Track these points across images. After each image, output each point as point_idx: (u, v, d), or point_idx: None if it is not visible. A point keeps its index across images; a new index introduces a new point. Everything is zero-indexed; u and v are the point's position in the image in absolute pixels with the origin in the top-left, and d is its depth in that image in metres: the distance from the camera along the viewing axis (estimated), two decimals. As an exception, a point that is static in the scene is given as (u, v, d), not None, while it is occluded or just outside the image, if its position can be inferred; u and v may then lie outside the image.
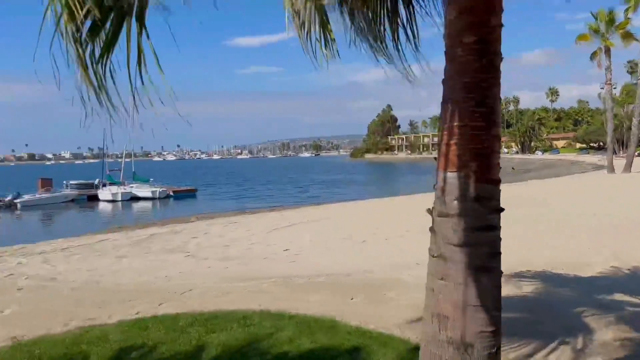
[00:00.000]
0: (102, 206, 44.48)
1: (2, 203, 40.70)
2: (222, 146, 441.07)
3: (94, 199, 46.43)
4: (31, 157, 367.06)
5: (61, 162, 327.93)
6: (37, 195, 44.11)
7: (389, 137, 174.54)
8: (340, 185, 60.41)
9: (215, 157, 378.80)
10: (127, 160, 51.35)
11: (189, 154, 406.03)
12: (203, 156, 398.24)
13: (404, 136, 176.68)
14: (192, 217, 24.75)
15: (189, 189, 52.48)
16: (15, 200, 41.56)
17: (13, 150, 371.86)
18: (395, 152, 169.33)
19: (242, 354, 4.50)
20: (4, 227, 31.61)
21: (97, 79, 2.74)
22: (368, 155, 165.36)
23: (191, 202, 47.05)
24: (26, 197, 43.08)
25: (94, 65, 2.76)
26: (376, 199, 29.98)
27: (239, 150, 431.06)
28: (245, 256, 10.35)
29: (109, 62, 2.81)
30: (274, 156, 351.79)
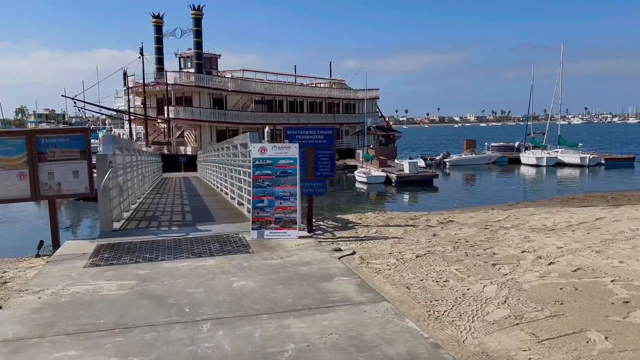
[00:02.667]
0: (524, 170, 42.55)
1: (433, 161, 43.92)
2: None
3: (515, 162, 45.16)
4: (441, 120, 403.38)
5: (466, 124, 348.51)
6: (463, 155, 46.12)
7: None
8: None
9: (632, 120, 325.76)
10: (551, 122, 47.47)
11: (597, 117, 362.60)
12: (615, 119, 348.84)
13: None
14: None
15: (626, 157, 44.54)
16: (445, 160, 44.36)
17: (427, 114, 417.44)
18: None
19: None
20: (447, 185, 33.36)
21: None
22: None
23: (629, 172, 39.63)
24: (454, 157, 45.59)
25: None
26: None
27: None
28: None
29: None
30: None
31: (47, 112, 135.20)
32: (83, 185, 7.67)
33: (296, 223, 7.17)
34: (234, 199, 12.14)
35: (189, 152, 41.07)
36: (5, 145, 7.36)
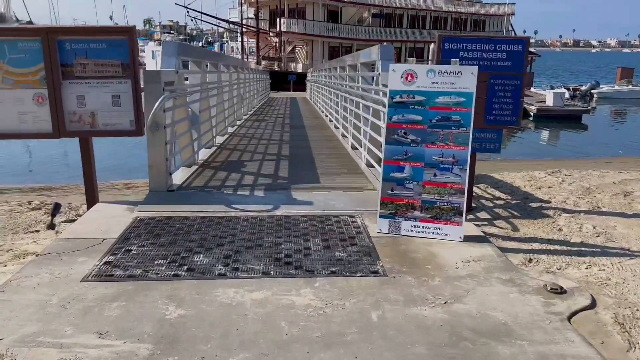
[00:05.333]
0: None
1: (577, 92, 37.08)
2: None
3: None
4: (576, 43, 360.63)
5: (606, 49, 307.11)
6: (616, 87, 38.51)
7: None
8: None
9: None
10: None
11: None
12: None
13: None
14: None
15: None
16: (592, 91, 37.29)
17: (560, 37, 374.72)
18: None
19: None
20: (597, 122, 27.36)
21: None
22: None
23: None
24: (604, 87, 38.19)
25: None
26: None
27: None
28: None
29: None
30: None
31: (170, 24, 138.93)
32: (127, 117, 5.05)
33: (461, 214, 3.99)
34: (346, 137, 9.14)
35: (299, 70, 38.42)
36: (14, 50, 4.85)
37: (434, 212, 4.04)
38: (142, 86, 5.01)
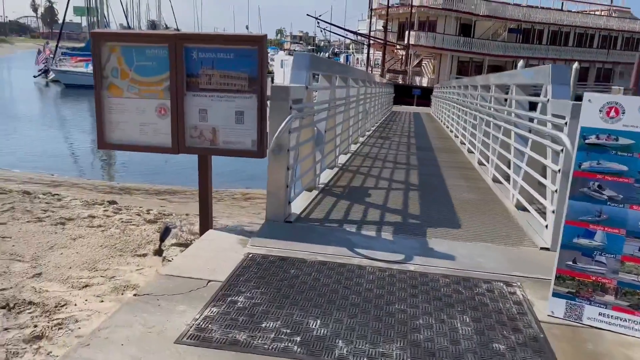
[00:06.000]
0: None
1: None
2: None
3: None
4: None
5: None
6: None
7: None
8: None
9: None
10: None
11: None
12: None
13: None
14: None
15: None
16: None
17: None
18: None
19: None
20: None
21: None
22: None
23: None
24: None
25: None
26: None
27: None
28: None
29: None
30: None
31: (300, 34, 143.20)
32: (249, 137, 4.53)
33: (681, 309, 2.83)
34: (484, 165, 8.03)
35: (424, 84, 37.17)
36: (142, 57, 4.57)
37: (635, 300, 2.93)
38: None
